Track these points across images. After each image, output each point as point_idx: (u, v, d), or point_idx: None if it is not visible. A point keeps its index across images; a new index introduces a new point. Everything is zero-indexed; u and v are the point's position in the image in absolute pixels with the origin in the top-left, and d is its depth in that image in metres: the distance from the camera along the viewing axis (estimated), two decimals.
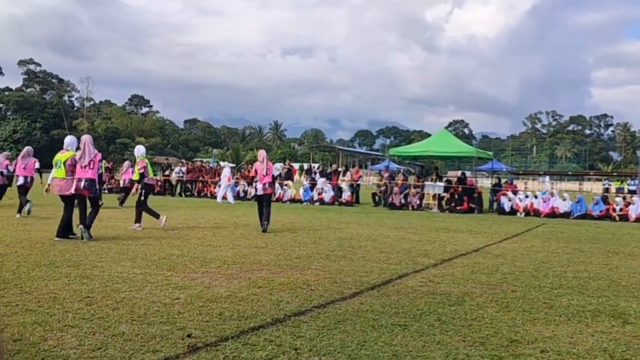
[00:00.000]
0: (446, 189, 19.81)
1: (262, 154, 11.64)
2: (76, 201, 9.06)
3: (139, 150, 11.26)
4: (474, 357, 3.68)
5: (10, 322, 4.11)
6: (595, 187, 47.03)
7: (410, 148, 25.02)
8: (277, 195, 21.11)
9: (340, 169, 23.92)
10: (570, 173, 63.97)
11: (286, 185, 22.31)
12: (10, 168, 14.14)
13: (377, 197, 21.48)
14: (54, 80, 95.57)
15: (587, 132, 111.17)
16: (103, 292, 5.13)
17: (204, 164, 27.48)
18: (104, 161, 17.07)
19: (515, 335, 4.20)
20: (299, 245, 8.77)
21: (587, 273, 7.07)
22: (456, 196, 19.28)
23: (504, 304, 5.16)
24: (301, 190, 22.08)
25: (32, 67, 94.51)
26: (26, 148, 13.73)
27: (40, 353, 3.50)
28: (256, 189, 11.37)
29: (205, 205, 18.49)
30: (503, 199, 19.06)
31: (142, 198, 10.76)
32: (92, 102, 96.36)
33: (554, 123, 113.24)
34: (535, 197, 19.00)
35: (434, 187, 20.12)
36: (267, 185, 11.12)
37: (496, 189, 20.36)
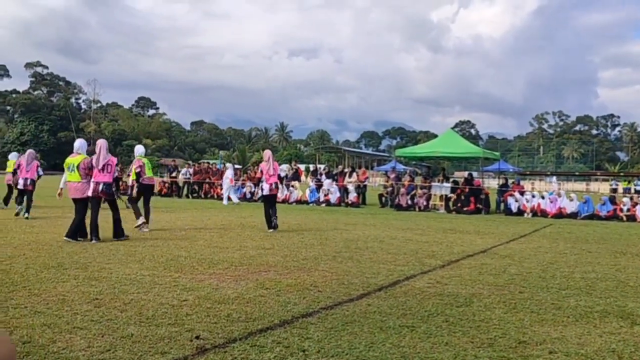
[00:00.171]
0: (453, 190, 19.76)
1: (267, 153, 11.67)
2: (89, 205, 9.14)
3: (138, 150, 11.38)
4: (482, 358, 3.68)
5: (19, 324, 4.13)
6: (602, 188, 46.78)
7: (417, 149, 24.98)
8: (283, 197, 21.15)
9: (346, 170, 23.91)
10: (577, 173, 63.73)
11: (292, 186, 22.33)
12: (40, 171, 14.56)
13: (383, 198, 21.46)
14: (61, 83, 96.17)
15: (594, 132, 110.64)
16: (111, 294, 5.15)
17: (210, 166, 27.54)
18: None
19: (524, 336, 4.19)
20: (306, 247, 8.78)
21: (594, 274, 7.03)
22: (463, 197, 19.23)
23: (511, 305, 5.15)
24: (307, 192, 22.09)
25: (39, 69, 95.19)
26: (29, 151, 13.93)
27: (50, 355, 3.52)
28: (262, 189, 11.43)
29: (212, 206, 18.53)
30: (510, 200, 19.00)
31: (134, 195, 11.01)
32: (99, 105, 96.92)
33: (560, 123, 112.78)
34: (543, 197, 18.93)
35: (441, 188, 20.07)
36: (273, 185, 11.18)
37: (503, 190, 20.29)
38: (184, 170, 25.67)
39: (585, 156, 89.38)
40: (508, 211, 18.80)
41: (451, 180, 21.77)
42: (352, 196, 20.93)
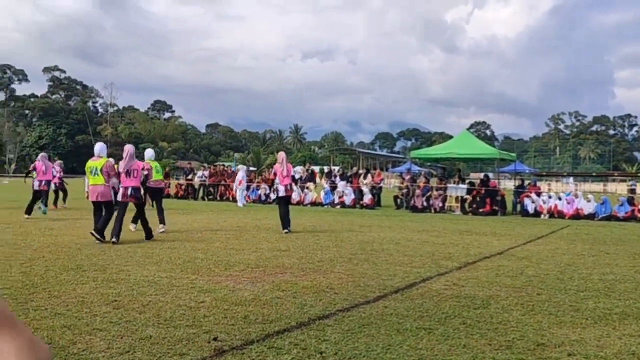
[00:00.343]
0: (469, 191, 19.64)
1: (281, 155, 11.83)
2: (103, 209, 9.29)
3: (147, 153, 11.61)
4: None
5: (39, 326, 4.20)
6: (619, 188, 46.08)
7: (432, 150, 24.88)
8: (298, 198, 21.21)
9: (361, 172, 23.89)
10: (594, 174, 62.93)
11: (307, 188, 22.36)
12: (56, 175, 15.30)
13: (399, 200, 21.39)
14: (78, 87, 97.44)
15: (611, 132, 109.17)
16: (130, 296, 5.21)
17: (225, 168, 27.70)
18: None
19: (542, 338, 4.15)
20: (321, 249, 8.79)
21: (613, 275, 6.95)
22: (479, 198, 19.10)
23: (529, 307, 5.11)
24: (322, 193, 22.10)
25: (56, 73, 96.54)
26: (42, 154, 14.51)
27: (70, 357, 3.58)
28: (277, 191, 11.56)
29: (227, 208, 18.63)
30: (526, 201, 18.83)
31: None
32: (115, 108, 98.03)
33: (577, 124, 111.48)
34: (559, 198, 18.73)
35: (457, 190, 19.96)
36: (288, 187, 11.40)
37: (519, 191, 20.11)
38: (199, 173, 25.87)
39: (602, 157, 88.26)
40: (524, 212, 18.63)
41: (467, 181, 21.64)
42: (367, 198, 20.91)
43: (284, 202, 11.31)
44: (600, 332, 4.35)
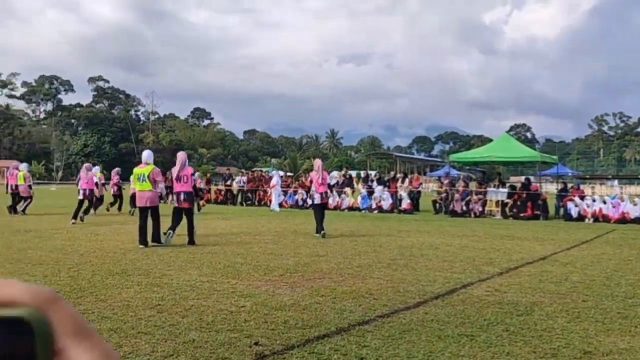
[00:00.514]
0: (509, 195, 19.25)
1: (317, 163, 12.03)
2: (150, 213, 9.63)
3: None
4: None
5: None
6: None
7: (471, 154, 24.52)
8: (335, 204, 21.23)
9: (398, 176, 23.72)
10: None
11: (344, 193, 22.35)
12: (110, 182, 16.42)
13: (437, 205, 21.14)
14: (121, 96, 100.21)
15: None
16: (172, 300, 5.32)
17: (263, 174, 27.99)
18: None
19: (589, 346, 4.03)
20: (360, 254, 8.77)
21: None
22: (520, 202, 18.69)
23: (575, 314, 4.97)
24: (359, 198, 22.05)
25: (101, 83, 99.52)
26: (85, 164, 15.58)
27: None
28: (314, 198, 11.72)
29: (265, 213, 18.80)
30: (570, 205, 18.31)
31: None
32: (156, 116, 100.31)
33: (621, 125, 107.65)
34: (604, 202, 18.13)
35: (497, 194, 19.60)
36: (324, 194, 11.63)
37: (562, 194, 19.58)
38: (237, 179, 26.25)
39: None
40: (568, 217, 18.11)
41: (507, 185, 21.21)
42: (406, 203, 20.74)
43: (320, 208, 11.53)
44: None
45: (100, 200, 17.02)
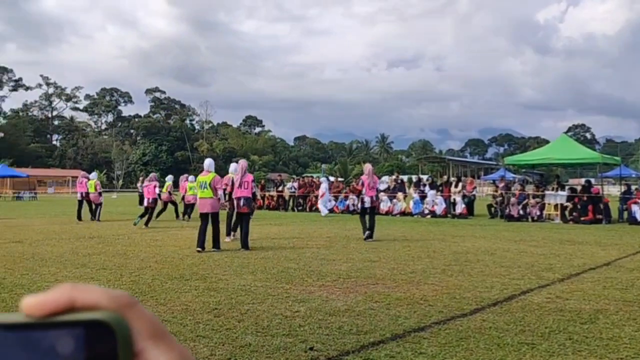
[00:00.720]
0: (569, 198, 18.54)
1: (368, 167, 12.28)
2: (210, 219, 9.95)
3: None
4: None
5: None
6: None
7: (528, 156, 23.77)
8: (386, 209, 21.09)
9: (452, 180, 23.30)
10: None
11: (396, 198, 22.15)
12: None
13: (493, 209, 20.62)
14: (177, 106, 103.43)
15: None
16: (229, 304, 5.42)
17: (314, 179, 28.12)
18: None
19: None
20: (413, 259, 8.66)
21: None
22: (580, 206, 17.96)
23: None
24: (411, 203, 21.79)
25: (157, 94, 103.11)
26: (151, 174, 16.82)
27: None
28: (363, 202, 11.77)
29: (316, 219, 18.88)
30: (634, 208, 17.43)
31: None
32: (210, 125, 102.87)
33: None
34: None
35: (556, 197, 18.92)
36: (374, 198, 11.81)
37: (626, 197, 18.68)
38: (289, 185, 26.51)
39: None
40: (632, 220, 17.25)
41: (567, 187, 20.44)
42: (460, 207, 20.34)
43: (370, 212, 11.66)
44: None
45: (175, 205, 18.37)
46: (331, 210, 22.57)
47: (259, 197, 23.12)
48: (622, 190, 19.95)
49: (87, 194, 17.56)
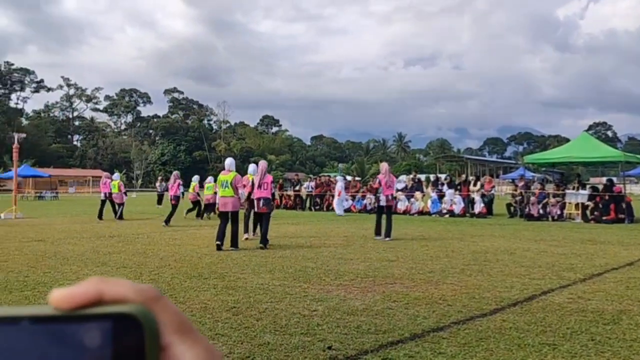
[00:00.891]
0: (590, 197, 18.25)
1: (384, 166, 12.30)
2: (229, 217, 10.04)
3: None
4: None
5: None
6: None
7: (548, 154, 23.46)
8: (404, 208, 21.00)
9: (470, 179, 23.10)
10: None
11: (414, 197, 22.04)
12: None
13: (512, 208, 20.40)
14: (194, 106, 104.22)
15: None
16: (247, 303, 5.44)
17: (331, 179, 28.11)
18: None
19: None
20: (431, 259, 8.61)
21: None
22: (601, 205, 17.68)
23: None
24: (429, 202, 21.66)
25: (176, 95, 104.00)
26: (174, 172, 17.54)
27: None
28: (379, 200, 11.76)
29: (333, 218, 18.88)
30: None
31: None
32: (228, 125, 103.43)
33: None
34: None
35: (577, 196, 18.65)
36: (390, 197, 11.78)
37: None
38: (306, 184, 26.54)
39: None
40: None
41: (588, 186, 20.13)
42: (479, 206, 20.16)
43: (386, 211, 11.62)
44: None
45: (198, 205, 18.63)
46: (348, 210, 22.54)
47: (276, 197, 23.24)
48: None
49: (110, 194, 18.08)
